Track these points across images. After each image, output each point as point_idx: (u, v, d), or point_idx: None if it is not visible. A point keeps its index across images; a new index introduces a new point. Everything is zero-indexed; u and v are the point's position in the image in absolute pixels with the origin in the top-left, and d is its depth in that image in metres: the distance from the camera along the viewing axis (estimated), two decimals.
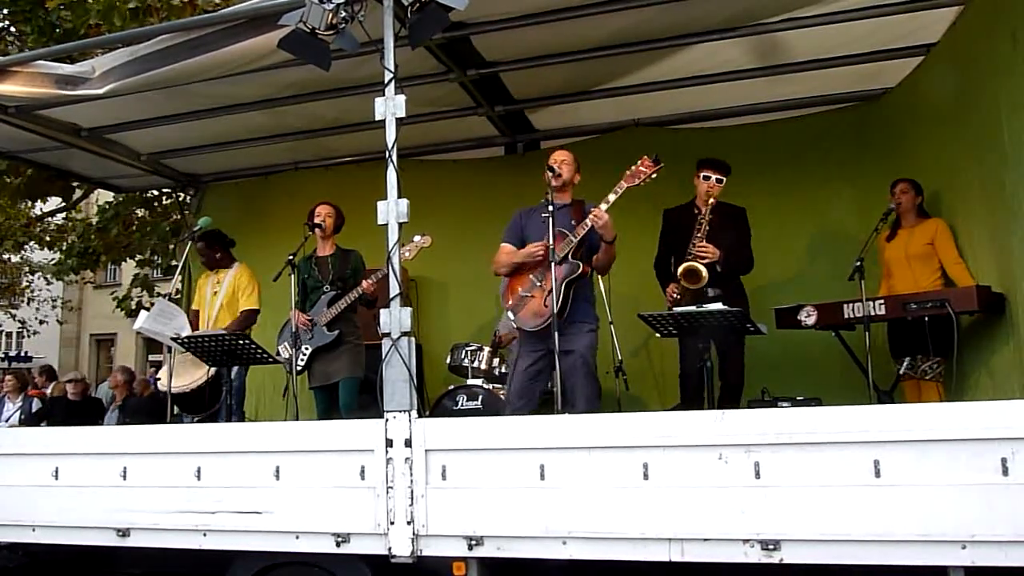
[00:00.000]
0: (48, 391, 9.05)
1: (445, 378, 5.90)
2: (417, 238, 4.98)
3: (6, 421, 8.33)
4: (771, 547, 2.83)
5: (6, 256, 16.05)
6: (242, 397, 5.26)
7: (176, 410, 5.26)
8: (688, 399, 4.64)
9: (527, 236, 4.39)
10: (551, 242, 4.08)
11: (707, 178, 4.65)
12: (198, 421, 5.13)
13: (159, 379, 5.65)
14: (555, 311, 3.98)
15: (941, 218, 4.72)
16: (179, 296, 6.33)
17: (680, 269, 4.44)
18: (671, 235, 4.83)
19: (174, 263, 8.84)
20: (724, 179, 4.64)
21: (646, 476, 3.00)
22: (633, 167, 4.20)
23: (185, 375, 5.07)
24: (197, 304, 5.62)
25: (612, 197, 4.16)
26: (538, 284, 4.21)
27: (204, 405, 5.13)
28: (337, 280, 5.19)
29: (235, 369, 5.09)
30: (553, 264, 4.03)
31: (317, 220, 5.19)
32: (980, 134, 4.25)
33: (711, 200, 4.55)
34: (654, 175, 4.17)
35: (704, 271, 4.36)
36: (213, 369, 5.04)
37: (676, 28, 4.75)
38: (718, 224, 4.52)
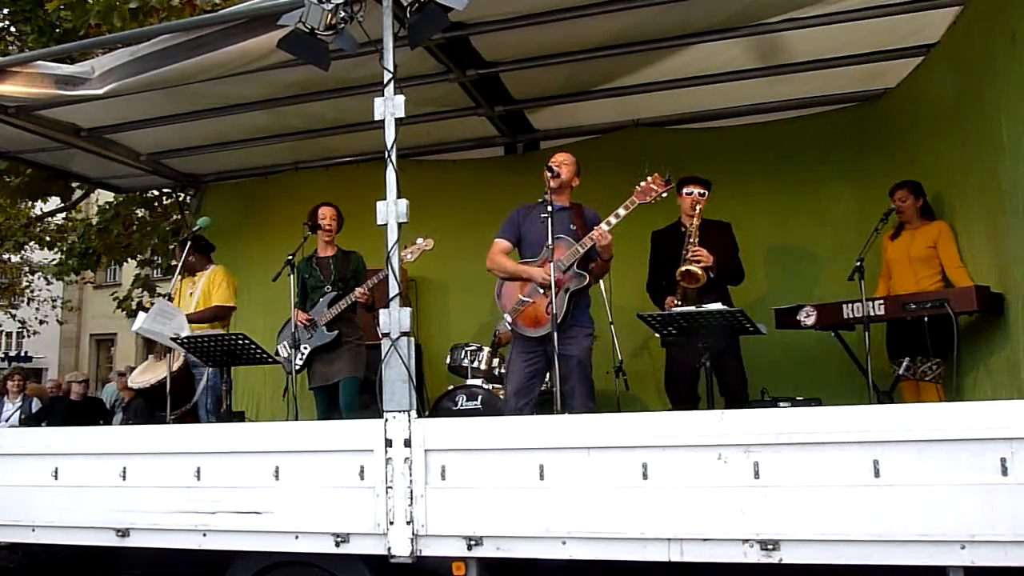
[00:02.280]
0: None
1: (445, 378, 5.90)
2: (420, 240, 4.98)
3: (6, 421, 8.33)
4: (771, 547, 2.83)
5: (6, 256, 16.04)
6: (218, 396, 5.16)
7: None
8: (678, 405, 4.64)
9: (525, 235, 4.39)
10: (551, 243, 4.08)
11: (689, 193, 4.67)
12: (174, 419, 5.11)
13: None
14: (556, 318, 3.96)
15: (944, 220, 4.71)
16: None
17: (678, 272, 4.45)
18: (660, 256, 4.83)
19: (174, 263, 8.81)
20: (707, 192, 4.66)
21: (645, 476, 3.00)
22: (644, 183, 4.21)
23: (149, 371, 5.05)
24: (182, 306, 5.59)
25: (622, 212, 4.18)
26: (540, 291, 4.20)
27: (178, 400, 5.07)
28: (339, 281, 5.20)
29: (206, 373, 5.07)
30: (553, 269, 4.02)
31: (323, 223, 5.20)
32: (980, 134, 4.25)
33: (698, 207, 4.57)
34: (664, 194, 4.21)
35: (701, 272, 4.37)
36: (178, 364, 5.01)
37: (676, 28, 4.75)
38: (705, 237, 4.54)
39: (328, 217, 5.22)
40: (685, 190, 4.69)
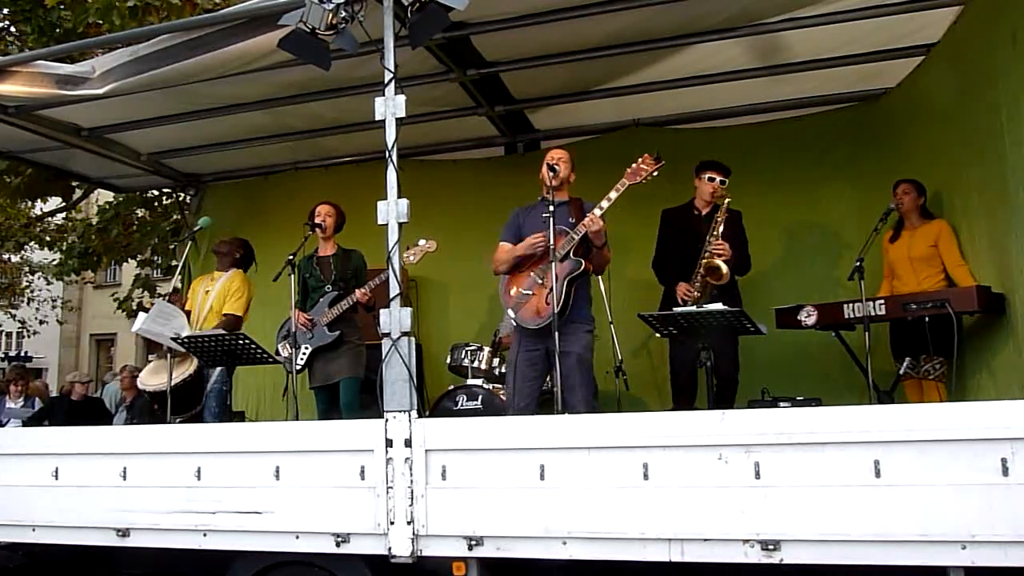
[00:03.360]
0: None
1: (445, 378, 5.90)
2: (422, 242, 4.96)
3: (7, 420, 8.32)
4: (771, 547, 2.83)
5: (6, 256, 16.05)
6: (222, 400, 5.14)
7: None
8: (680, 403, 4.64)
9: (526, 234, 4.37)
10: (552, 241, 4.07)
11: (712, 179, 4.67)
12: (181, 421, 5.11)
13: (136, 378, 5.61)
14: (556, 308, 3.96)
15: (944, 219, 4.71)
16: (178, 296, 6.32)
17: (702, 266, 4.46)
18: (670, 235, 4.83)
19: (174, 263, 8.84)
20: (727, 181, 4.66)
21: (646, 476, 3.00)
22: (634, 165, 4.20)
23: (160, 373, 5.02)
24: (189, 306, 5.53)
25: (613, 195, 4.15)
26: (539, 282, 4.19)
27: (187, 404, 5.08)
28: (339, 281, 5.19)
29: (215, 373, 5.07)
30: (554, 262, 4.02)
31: (317, 220, 5.17)
32: (980, 134, 4.25)
33: (726, 200, 4.56)
34: (655, 172, 4.17)
35: (724, 268, 4.37)
36: (192, 368, 5.01)
37: (676, 28, 4.75)
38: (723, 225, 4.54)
39: (323, 214, 5.19)
40: (707, 175, 4.68)
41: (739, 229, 4.72)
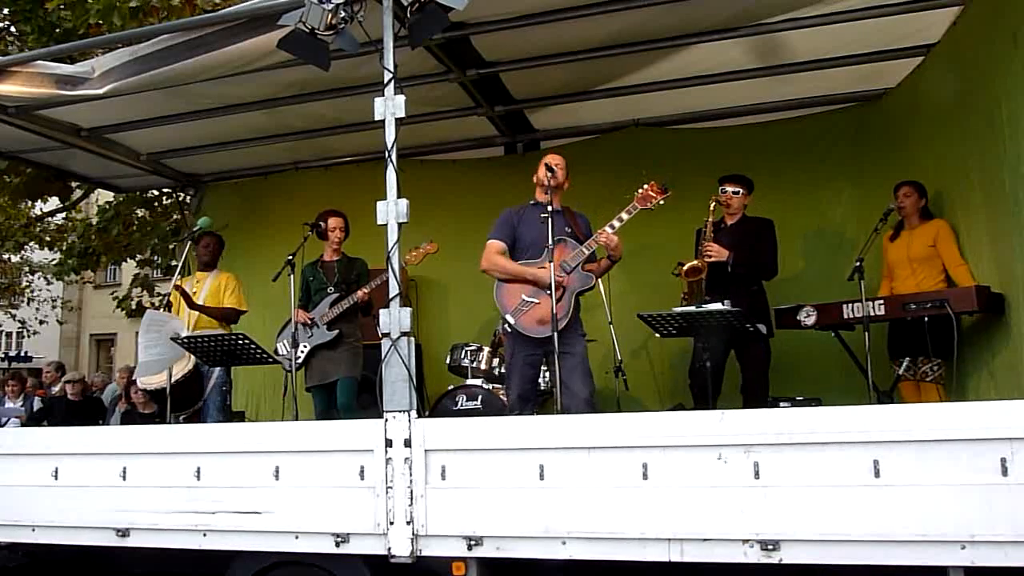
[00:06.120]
0: (55, 389, 9.05)
1: (445, 378, 5.90)
2: (425, 244, 5.00)
3: (5, 421, 8.33)
4: (770, 547, 2.83)
5: (6, 256, 16.04)
6: (222, 399, 5.19)
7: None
8: (697, 399, 4.64)
9: (520, 236, 4.36)
10: (551, 243, 4.07)
11: (724, 191, 4.78)
12: (184, 419, 5.11)
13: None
14: (556, 320, 3.96)
15: (944, 219, 4.71)
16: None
17: (685, 267, 4.52)
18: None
19: (174, 263, 8.82)
20: (740, 191, 4.76)
21: (645, 476, 3.00)
22: (642, 190, 4.28)
23: (164, 371, 5.03)
24: (174, 311, 5.51)
25: (625, 216, 4.22)
26: (545, 291, 4.18)
27: (187, 401, 5.09)
28: (342, 283, 5.25)
29: (216, 372, 5.09)
30: (554, 270, 4.01)
31: (332, 235, 5.25)
32: (980, 134, 4.25)
33: (712, 205, 4.66)
34: (662, 201, 4.28)
35: (698, 262, 4.48)
36: (191, 364, 5.02)
37: (676, 28, 4.75)
38: (743, 233, 4.65)
39: (338, 229, 5.29)
40: (720, 188, 4.81)
41: (764, 235, 4.76)
